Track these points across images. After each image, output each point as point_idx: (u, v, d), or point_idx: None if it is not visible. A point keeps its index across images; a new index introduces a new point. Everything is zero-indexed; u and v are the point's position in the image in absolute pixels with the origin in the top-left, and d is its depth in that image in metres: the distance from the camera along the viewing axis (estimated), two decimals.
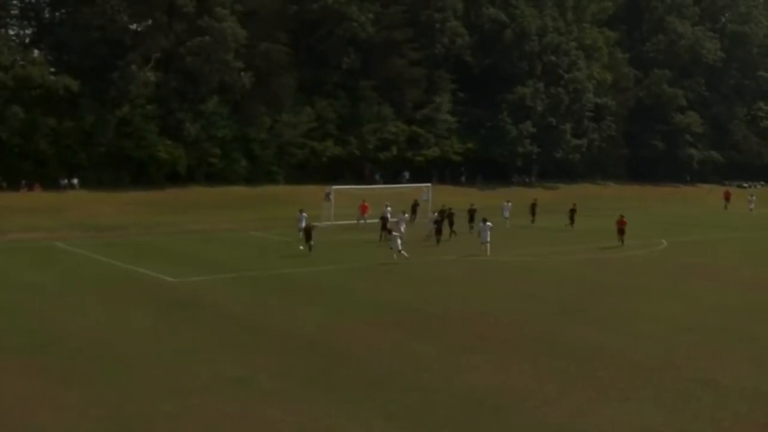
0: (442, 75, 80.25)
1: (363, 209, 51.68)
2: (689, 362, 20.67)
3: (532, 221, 54.06)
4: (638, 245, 44.21)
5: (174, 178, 64.16)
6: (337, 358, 20.33)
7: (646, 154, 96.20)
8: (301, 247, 39.00)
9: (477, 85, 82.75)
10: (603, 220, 50.71)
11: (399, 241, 36.35)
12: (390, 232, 42.38)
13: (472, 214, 48.98)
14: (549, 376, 19.10)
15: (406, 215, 45.79)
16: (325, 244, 40.49)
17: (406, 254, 36.01)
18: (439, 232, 42.45)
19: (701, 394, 18.11)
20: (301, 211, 44.24)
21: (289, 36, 71.08)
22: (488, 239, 38.75)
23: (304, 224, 42.51)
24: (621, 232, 43.38)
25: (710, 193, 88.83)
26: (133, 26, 65.96)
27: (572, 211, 52.92)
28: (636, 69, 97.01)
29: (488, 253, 38.18)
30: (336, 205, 51.46)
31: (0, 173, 57.71)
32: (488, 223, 39.45)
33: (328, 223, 49.13)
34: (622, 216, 44.21)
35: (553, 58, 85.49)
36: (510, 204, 54.08)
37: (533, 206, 55.71)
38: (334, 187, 54.01)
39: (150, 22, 65.99)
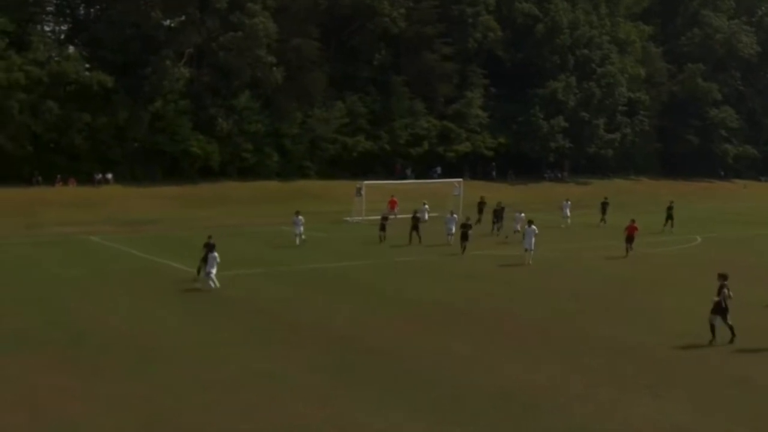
0: (473, 70, 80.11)
1: (392, 204, 51.68)
2: (722, 360, 20.43)
3: (602, 220, 51.32)
4: (672, 241, 43.78)
5: (207, 172, 64.72)
6: (365, 353, 20.38)
7: (680, 149, 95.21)
8: (198, 284, 28.57)
9: (509, 80, 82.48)
10: (642, 216, 50.05)
11: (214, 270, 27.77)
12: (383, 228, 40.88)
13: (498, 213, 45.95)
14: (578, 373, 18.97)
15: (455, 215, 44.71)
16: (355, 239, 40.56)
17: (214, 284, 27.78)
18: (465, 237, 37.57)
19: (734, 393, 17.87)
20: (296, 214, 40.09)
21: (320, 31, 71.33)
22: (532, 247, 34.65)
23: (301, 228, 39.65)
24: (630, 239, 37.85)
25: (745, 189, 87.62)
26: (167, 22, 66.60)
27: (670, 210, 49.41)
28: (670, 63, 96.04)
29: (530, 261, 34.56)
30: (367, 200, 51.58)
31: (36, 168, 58.57)
32: (533, 227, 34.83)
33: (359, 218, 49.19)
34: (633, 221, 38.60)
35: (585, 51, 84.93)
36: (569, 202, 51.85)
37: (604, 205, 52.32)
38: (366, 182, 54.11)
39: (183, 17, 66.63)
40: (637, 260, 37.52)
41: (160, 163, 64.01)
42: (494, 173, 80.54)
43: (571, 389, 17.78)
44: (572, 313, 25.64)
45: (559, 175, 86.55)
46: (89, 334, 22.07)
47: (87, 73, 60.57)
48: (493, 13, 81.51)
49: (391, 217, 50.55)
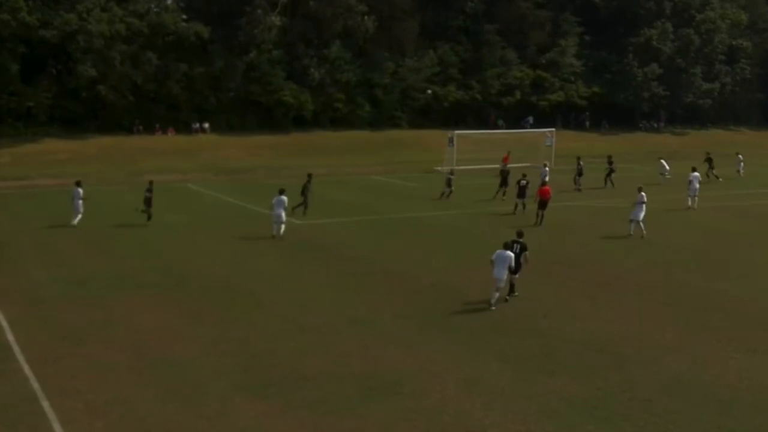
0: (567, 18, 78.11)
1: (505, 159, 50.82)
2: None
3: (709, 175, 48.06)
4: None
5: (300, 122, 65.48)
6: (455, 301, 20.60)
7: None
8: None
9: (603, 28, 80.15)
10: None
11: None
12: (449, 184, 39.58)
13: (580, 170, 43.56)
14: (670, 325, 18.83)
15: (548, 168, 42.91)
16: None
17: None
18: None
19: None
20: (280, 192, 29.47)
21: None
22: (696, 193, 36.89)
23: (281, 212, 28.86)
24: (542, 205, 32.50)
25: None
26: None
27: (708, 161, 47.78)
28: None
29: (693, 205, 36.77)
30: (458, 150, 51.44)
31: (136, 117, 60.36)
32: (696, 174, 37.38)
33: (450, 168, 49.07)
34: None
35: None
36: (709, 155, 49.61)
37: (709, 161, 49.41)
38: (457, 131, 53.91)
39: None
40: (734, 213, 36.53)
41: (255, 112, 64.97)
42: (587, 123, 78.91)
43: (663, 342, 17.66)
44: (665, 265, 25.31)
45: (655, 125, 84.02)
46: (190, 278, 22.90)
47: (184, 24, 61.54)
48: None
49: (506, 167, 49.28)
